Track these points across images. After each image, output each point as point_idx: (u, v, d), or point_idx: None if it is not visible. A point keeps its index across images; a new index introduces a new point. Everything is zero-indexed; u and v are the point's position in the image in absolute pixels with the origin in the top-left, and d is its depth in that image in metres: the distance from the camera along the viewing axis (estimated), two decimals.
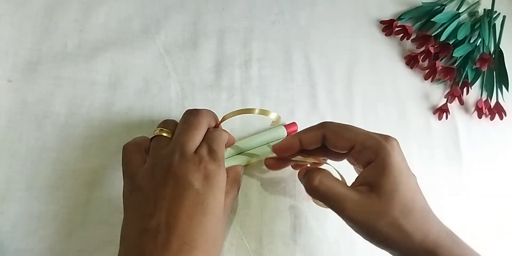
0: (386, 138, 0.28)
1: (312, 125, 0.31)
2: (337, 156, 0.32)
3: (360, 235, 0.27)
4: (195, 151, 0.27)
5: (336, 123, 0.30)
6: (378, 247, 0.27)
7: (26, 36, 0.35)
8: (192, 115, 0.29)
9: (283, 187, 0.37)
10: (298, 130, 0.38)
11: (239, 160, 0.34)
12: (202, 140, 0.28)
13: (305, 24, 0.45)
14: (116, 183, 0.33)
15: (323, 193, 0.27)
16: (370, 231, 0.26)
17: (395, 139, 0.28)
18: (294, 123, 0.38)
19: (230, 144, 0.34)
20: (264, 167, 0.36)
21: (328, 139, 0.29)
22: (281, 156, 0.32)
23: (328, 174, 0.28)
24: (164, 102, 0.36)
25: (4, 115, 0.32)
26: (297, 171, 0.32)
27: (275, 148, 0.31)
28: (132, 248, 0.24)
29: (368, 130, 0.29)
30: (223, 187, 0.26)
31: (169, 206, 0.24)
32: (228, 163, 0.33)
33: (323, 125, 0.29)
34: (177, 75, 0.38)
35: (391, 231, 0.26)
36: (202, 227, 0.24)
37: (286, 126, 0.37)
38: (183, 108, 0.37)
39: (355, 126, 0.29)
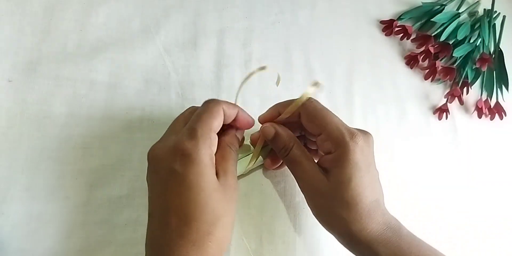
0: (353, 135, 0.28)
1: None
2: (310, 136, 0.33)
3: (312, 212, 0.30)
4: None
5: (314, 104, 0.30)
6: (325, 229, 0.30)
7: (26, 36, 0.35)
8: (207, 102, 0.30)
9: (283, 187, 0.37)
10: None
11: (243, 164, 0.34)
12: (190, 119, 0.28)
13: (305, 24, 0.45)
14: (116, 183, 0.33)
15: (293, 164, 0.30)
16: (315, 211, 0.30)
17: (364, 136, 0.29)
18: None
19: (243, 122, 0.31)
20: (264, 167, 0.36)
21: (302, 119, 0.30)
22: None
23: (300, 146, 0.31)
24: (164, 102, 0.36)
25: (4, 115, 0.32)
26: None
27: (260, 120, 0.33)
28: (147, 235, 0.26)
29: (343, 123, 0.29)
30: (205, 162, 0.26)
31: (159, 191, 0.26)
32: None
33: (304, 106, 0.30)
34: (177, 75, 0.38)
35: (332, 217, 0.29)
36: (192, 202, 0.25)
37: None
38: (183, 108, 0.36)
39: (336, 115, 0.30)
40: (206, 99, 0.37)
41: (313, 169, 0.29)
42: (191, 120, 0.28)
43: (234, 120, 0.30)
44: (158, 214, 0.26)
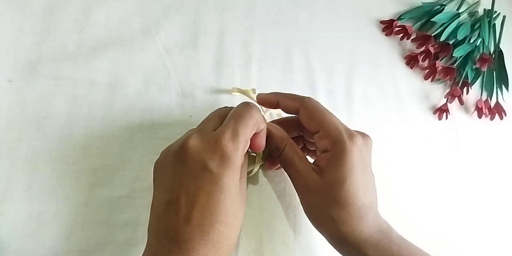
0: (351, 135, 0.28)
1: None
2: (309, 135, 0.33)
3: (304, 211, 0.30)
4: (217, 129, 0.27)
5: (314, 103, 0.30)
6: (316, 229, 0.30)
7: (26, 36, 0.35)
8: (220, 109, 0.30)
9: (283, 187, 0.37)
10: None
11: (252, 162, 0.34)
12: (229, 115, 0.28)
13: (305, 24, 0.45)
14: (116, 183, 0.33)
15: (286, 164, 0.30)
16: (307, 209, 0.30)
17: (362, 137, 0.29)
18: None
19: (258, 142, 0.30)
20: (264, 167, 0.36)
21: (300, 115, 0.30)
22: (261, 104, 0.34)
23: (294, 146, 0.31)
24: (164, 102, 0.36)
25: (4, 115, 0.32)
26: None
27: (259, 98, 0.33)
28: (158, 220, 0.26)
29: (343, 124, 0.30)
30: (239, 166, 0.27)
31: (187, 184, 0.25)
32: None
33: (303, 101, 0.30)
34: (177, 75, 0.38)
35: (322, 216, 0.29)
36: (220, 203, 0.25)
37: None
38: (183, 108, 0.37)
39: (332, 115, 0.30)
40: (206, 99, 0.38)
41: (306, 168, 0.29)
42: (232, 120, 0.27)
43: (254, 136, 0.29)
44: (176, 199, 0.25)
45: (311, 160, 0.31)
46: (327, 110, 0.30)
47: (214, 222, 0.25)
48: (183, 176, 0.26)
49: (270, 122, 0.32)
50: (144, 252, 0.25)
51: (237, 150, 0.26)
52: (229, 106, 0.31)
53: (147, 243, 0.26)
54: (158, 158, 0.29)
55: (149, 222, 0.27)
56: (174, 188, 0.26)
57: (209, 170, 0.25)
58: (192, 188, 0.25)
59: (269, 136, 0.31)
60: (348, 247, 0.28)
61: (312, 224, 0.30)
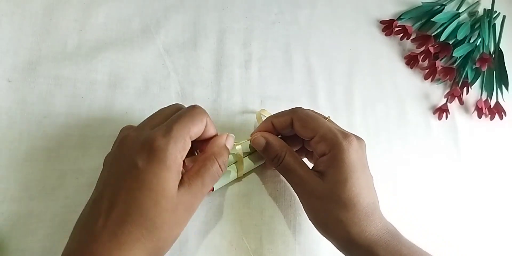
0: (346, 135, 0.29)
1: None
2: (310, 146, 0.33)
3: (309, 218, 0.30)
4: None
5: (306, 111, 0.31)
6: (322, 234, 0.30)
7: (26, 36, 0.35)
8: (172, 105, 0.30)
9: (283, 187, 0.37)
10: None
11: (246, 164, 0.34)
12: (170, 118, 0.27)
13: (305, 24, 0.45)
14: None
15: (287, 172, 0.30)
16: (312, 215, 0.29)
17: (357, 139, 0.29)
18: None
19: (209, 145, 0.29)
20: (264, 167, 0.36)
21: (294, 125, 0.31)
22: None
23: (294, 153, 0.31)
24: (164, 102, 0.36)
25: (4, 115, 0.32)
26: None
27: (256, 131, 0.33)
28: (79, 219, 0.25)
29: (336, 126, 0.30)
30: (170, 165, 0.25)
31: (114, 182, 0.25)
32: (234, 168, 0.33)
33: (293, 111, 0.31)
34: (177, 75, 0.38)
35: (330, 220, 0.28)
36: (137, 202, 0.24)
37: None
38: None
39: (324, 120, 0.30)
40: (206, 99, 0.38)
41: (307, 174, 0.29)
42: (170, 119, 0.27)
43: (205, 140, 0.29)
44: (98, 201, 0.25)
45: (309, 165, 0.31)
46: (319, 116, 0.31)
47: (126, 222, 0.23)
48: (112, 175, 0.25)
49: (262, 131, 0.32)
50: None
51: (167, 145, 0.24)
52: (179, 103, 0.31)
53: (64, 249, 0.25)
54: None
55: (75, 224, 0.26)
56: (101, 187, 0.25)
57: (135, 166, 0.24)
58: (116, 185, 0.24)
59: (268, 145, 0.31)
60: (359, 250, 0.27)
61: (319, 230, 0.30)
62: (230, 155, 0.32)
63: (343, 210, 0.27)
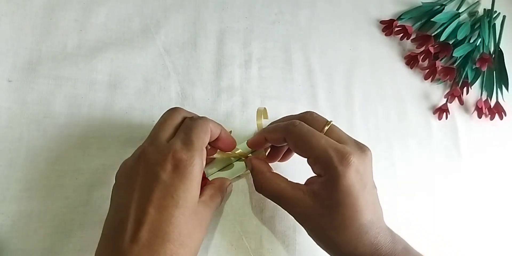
0: (343, 156, 0.26)
1: None
2: None
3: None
4: (169, 141, 0.26)
5: (299, 129, 0.28)
6: (320, 247, 0.29)
7: (26, 36, 0.35)
8: (166, 111, 0.29)
9: None
10: None
11: (240, 166, 0.34)
12: (180, 129, 0.27)
13: (305, 24, 0.45)
14: None
15: (273, 197, 0.30)
16: (308, 232, 0.29)
17: (360, 154, 0.27)
18: None
19: (225, 141, 0.31)
20: None
21: (288, 144, 0.30)
22: (256, 149, 0.34)
23: (271, 175, 0.30)
24: (164, 102, 0.36)
25: (4, 115, 0.32)
26: (296, 170, 0.32)
27: (249, 145, 0.33)
28: (106, 242, 0.24)
29: (333, 143, 0.28)
30: (197, 179, 0.25)
31: (138, 198, 0.24)
32: (232, 168, 0.34)
33: (287, 129, 0.29)
34: (177, 75, 0.38)
35: (321, 237, 0.28)
36: (174, 220, 0.23)
37: None
38: (183, 108, 0.37)
39: (320, 136, 0.28)
40: (206, 99, 0.38)
41: (296, 196, 0.28)
42: (185, 131, 0.27)
43: (217, 139, 0.30)
44: (125, 218, 0.23)
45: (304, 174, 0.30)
46: (313, 132, 0.28)
47: (167, 241, 0.23)
48: (135, 191, 0.24)
49: (261, 132, 0.32)
50: None
51: (193, 158, 0.25)
52: (178, 106, 0.30)
53: None
54: (114, 183, 0.27)
55: (97, 246, 0.25)
56: (125, 205, 0.24)
57: (162, 182, 0.24)
58: (143, 203, 0.23)
59: (251, 170, 0.31)
60: None
61: (317, 244, 0.29)
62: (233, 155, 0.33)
63: (334, 232, 0.27)
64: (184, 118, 0.29)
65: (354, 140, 0.29)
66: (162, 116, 0.29)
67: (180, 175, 0.24)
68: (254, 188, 0.35)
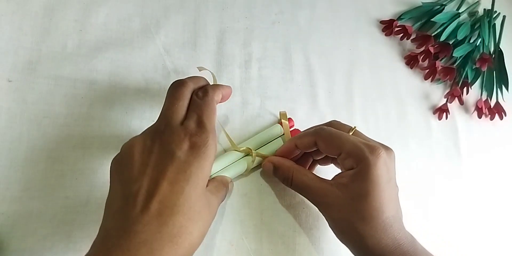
0: (373, 149, 0.28)
1: (312, 125, 0.34)
2: (333, 160, 0.34)
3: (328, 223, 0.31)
4: (183, 123, 0.27)
5: (328, 130, 0.30)
6: (338, 239, 0.30)
7: (26, 36, 0.35)
8: (174, 87, 0.29)
9: (283, 187, 0.36)
10: (296, 127, 0.39)
11: (243, 164, 0.34)
12: (190, 109, 0.28)
13: (305, 24, 0.45)
14: None
15: (301, 190, 0.32)
16: (330, 223, 0.30)
17: (386, 150, 0.29)
18: (289, 119, 0.38)
19: (226, 96, 0.33)
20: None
21: (319, 145, 0.31)
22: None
23: (298, 168, 0.32)
24: None
25: (4, 115, 0.32)
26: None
27: (278, 154, 0.34)
28: (113, 217, 0.24)
29: (362, 139, 0.30)
30: (210, 159, 0.26)
31: (151, 172, 0.24)
32: (234, 167, 0.34)
33: (316, 132, 0.31)
34: (177, 75, 0.38)
35: (347, 230, 0.29)
36: (185, 194, 0.24)
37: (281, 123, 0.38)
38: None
39: (348, 135, 0.30)
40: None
41: (322, 187, 0.30)
42: (196, 112, 0.28)
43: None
44: (136, 190, 0.24)
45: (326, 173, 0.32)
46: (342, 133, 0.30)
47: (176, 213, 0.23)
48: (148, 167, 0.25)
49: (270, 157, 0.34)
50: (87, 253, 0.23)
51: (207, 139, 0.26)
52: (198, 76, 0.31)
53: (92, 243, 0.23)
54: (118, 154, 0.27)
55: (101, 223, 0.24)
56: (136, 179, 0.24)
57: (177, 158, 0.25)
58: (155, 176, 0.24)
59: (275, 169, 0.33)
60: None
61: (337, 237, 0.30)
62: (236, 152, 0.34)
63: (361, 223, 0.28)
64: (192, 92, 0.30)
65: (378, 142, 0.31)
66: (170, 92, 0.29)
67: (195, 153, 0.25)
68: (254, 188, 0.35)
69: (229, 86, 0.33)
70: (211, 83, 0.33)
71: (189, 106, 0.29)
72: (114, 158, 0.27)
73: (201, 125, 0.27)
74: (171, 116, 0.28)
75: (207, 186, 0.27)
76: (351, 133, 0.31)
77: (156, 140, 0.26)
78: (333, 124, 0.33)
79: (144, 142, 0.26)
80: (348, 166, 0.29)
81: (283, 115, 0.38)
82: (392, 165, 0.29)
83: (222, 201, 0.31)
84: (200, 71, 0.36)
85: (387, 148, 0.30)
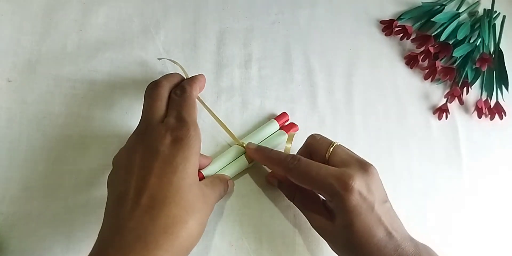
0: (343, 182, 0.27)
1: (312, 124, 0.36)
2: None
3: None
4: (164, 121, 0.27)
5: (298, 166, 0.30)
6: None
7: (26, 36, 0.35)
8: (150, 89, 0.30)
9: None
10: (298, 128, 0.38)
11: (242, 162, 0.34)
12: (170, 108, 0.29)
13: (305, 24, 0.45)
14: None
15: (300, 208, 0.33)
16: (331, 246, 0.31)
17: (363, 174, 0.28)
18: (284, 113, 0.38)
19: (203, 86, 0.34)
20: (264, 167, 0.36)
21: (293, 181, 0.31)
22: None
23: (305, 190, 0.32)
24: None
25: (4, 115, 0.32)
26: None
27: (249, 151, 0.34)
28: (107, 217, 0.24)
29: (333, 170, 0.29)
30: (195, 149, 0.26)
31: (138, 171, 0.25)
32: (232, 165, 0.34)
33: (287, 168, 0.30)
34: None
35: (344, 253, 0.29)
36: (174, 185, 0.24)
37: (277, 118, 0.38)
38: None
39: (319, 168, 0.29)
40: (206, 99, 0.38)
41: (319, 213, 0.31)
42: (176, 109, 0.28)
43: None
44: (126, 190, 0.24)
45: None
46: (311, 165, 0.29)
47: (168, 204, 0.23)
48: (135, 167, 0.25)
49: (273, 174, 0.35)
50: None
51: (189, 132, 0.26)
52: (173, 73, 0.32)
53: (92, 249, 0.23)
54: (111, 170, 0.28)
55: (100, 228, 0.24)
56: (126, 181, 0.25)
57: (161, 153, 0.25)
58: (142, 174, 0.24)
59: (280, 183, 0.34)
60: None
61: None
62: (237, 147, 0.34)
63: (353, 249, 0.28)
64: (170, 90, 0.30)
65: (357, 158, 0.30)
66: (147, 94, 0.30)
67: (178, 146, 0.25)
68: (254, 188, 0.35)
69: (202, 75, 0.34)
70: (183, 75, 0.34)
71: (168, 105, 0.29)
72: (108, 174, 0.28)
73: (181, 120, 0.27)
74: (150, 117, 0.28)
75: (202, 181, 0.28)
76: (331, 150, 0.31)
77: (138, 141, 0.27)
78: (312, 143, 0.32)
79: (128, 147, 0.27)
80: (326, 198, 0.30)
81: (290, 136, 0.35)
82: (373, 186, 0.29)
83: (221, 197, 0.31)
84: (159, 60, 0.37)
85: (364, 170, 0.29)
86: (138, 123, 0.29)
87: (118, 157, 0.27)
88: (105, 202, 0.31)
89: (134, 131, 0.28)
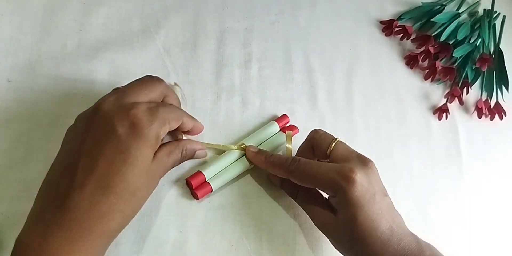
0: (346, 176, 0.28)
1: (311, 125, 0.35)
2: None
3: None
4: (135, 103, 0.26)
5: (299, 166, 0.30)
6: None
7: (25, 36, 0.35)
8: (149, 77, 0.29)
9: None
10: (296, 126, 0.38)
11: (243, 163, 0.34)
12: (153, 102, 0.28)
13: (305, 24, 0.45)
14: None
15: (302, 206, 0.33)
16: (333, 243, 0.31)
17: (364, 168, 0.29)
18: (285, 115, 0.38)
19: (197, 131, 0.32)
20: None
21: (295, 181, 0.31)
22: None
23: (308, 189, 0.33)
24: None
25: (4, 115, 0.32)
26: None
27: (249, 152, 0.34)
28: (49, 186, 0.25)
29: (334, 165, 0.30)
30: (151, 142, 0.25)
31: (90, 148, 0.24)
32: (234, 167, 0.34)
33: (288, 170, 0.31)
34: (177, 75, 0.38)
35: (345, 249, 0.30)
36: (121, 175, 0.24)
37: (277, 120, 0.38)
38: (184, 108, 0.37)
39: (319, 166, 0.30)
40: (206, 99, 0.38)
41: (321, 210, 0.31)
42: (157, 103, 0.27)
43: (189, 131, 0.31)
44: (75, 165, 0.24)
45: None
46: (311, 164, 0.30)
47: (109, 194, 0.24)
48: (88, 139, 0.25)
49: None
50: (23, 227, 0.24)
51: (152, 123, 0.25)
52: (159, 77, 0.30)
53: (28, 214, 0.24)
54: (73, 123, 0.28)
55: (39, 189, 0.25)
56: (76, 152, 0.25)
57: (116, 137, 0.24)
58: (94, 153, 0.24)
59: (282, 182, 0.34)
60: None
61: (341, 253, 0.31)
62: (236, 151, 0.34)
63: (356, 243, 0.28)
64: (161, 95, 0.29)
65: (358, 154, 0.31)
66: (143, 79, 0.29)
67: (135, 133, 0.25)
68: (254, 188, 0.35)
69: (200, 126, 0.32)
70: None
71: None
72: (69, 126, 0.28)
73: (153, 111, 0.26)
74: (127, 93, 0.27)
75: (158, 151, 0.27)
76: (333, 145, 0.31)
77: (99, 109, 0.25)
78: (315, 137, 0.33)
79: (91, 110, 0.26)
80: (329, 194, 0.30)
81: (288, 136, 0.36)
82: (373, 179, 0.29)
83: (175, 165, 0.30)
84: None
85: (364, 164, 0.30)
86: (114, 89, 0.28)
87: (83, 115, 0.27)
88: None
89: (110, 94, 0.27)
